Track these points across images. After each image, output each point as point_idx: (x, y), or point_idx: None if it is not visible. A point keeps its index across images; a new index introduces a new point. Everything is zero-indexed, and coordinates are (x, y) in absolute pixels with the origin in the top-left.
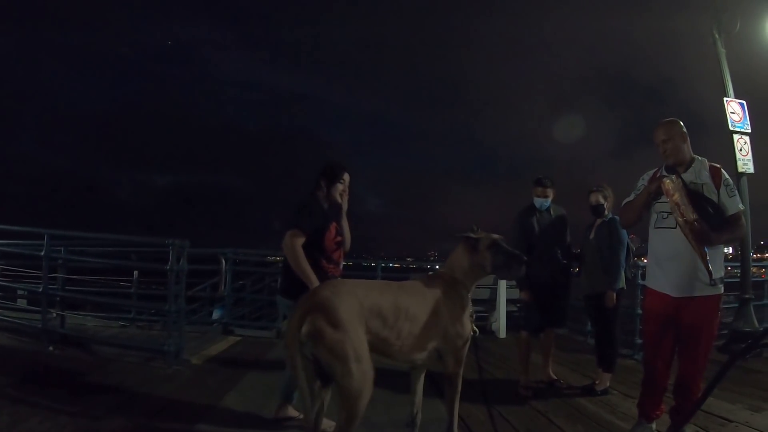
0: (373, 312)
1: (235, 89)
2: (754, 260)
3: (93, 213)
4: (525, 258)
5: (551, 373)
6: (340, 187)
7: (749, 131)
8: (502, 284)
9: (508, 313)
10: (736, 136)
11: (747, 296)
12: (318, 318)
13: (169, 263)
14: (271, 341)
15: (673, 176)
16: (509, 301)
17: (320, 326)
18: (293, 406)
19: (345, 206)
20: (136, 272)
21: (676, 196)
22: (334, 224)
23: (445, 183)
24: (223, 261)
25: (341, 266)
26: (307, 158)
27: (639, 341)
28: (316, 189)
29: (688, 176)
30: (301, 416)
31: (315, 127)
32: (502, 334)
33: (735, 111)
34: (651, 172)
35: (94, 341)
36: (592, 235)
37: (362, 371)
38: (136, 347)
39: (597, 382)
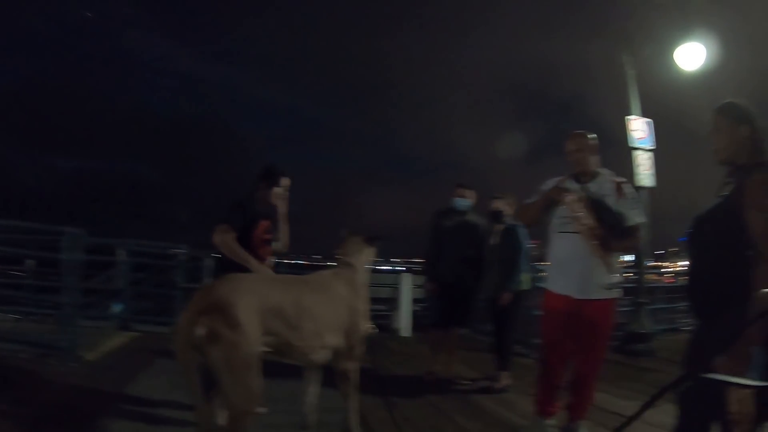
0: (274, 312)
1: (150, 73)
2: (652, 267)
3: None
4: None
5: (453, 371)
6: (278, 191)
7: (652, 148)
8: (406, 283)
9: (412, 312)
10: (637, 152)
11: (641, 300)
12: (215, 319)
13: (63, 253)
14: (171, 337)
15: (576, 187)
16: (414, 301)
17: (218, 328)
18: None
19: (284, 209)
20: (32, 262)
21: (577, 207)
22: (263, 222)
23: (359, 182)
24: (122, 252)
25: (267, 262)
26: (220, 150)
27: (536, 341)
28: (255, 189)
29: (592, 187)
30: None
31: (230, 119)
32: (405, 332)
33: (638, 128)
34: (556, 179)
35: None
36: (494, 241)
37: (250, 382)
38: (29, 343)
39: (496, 380)
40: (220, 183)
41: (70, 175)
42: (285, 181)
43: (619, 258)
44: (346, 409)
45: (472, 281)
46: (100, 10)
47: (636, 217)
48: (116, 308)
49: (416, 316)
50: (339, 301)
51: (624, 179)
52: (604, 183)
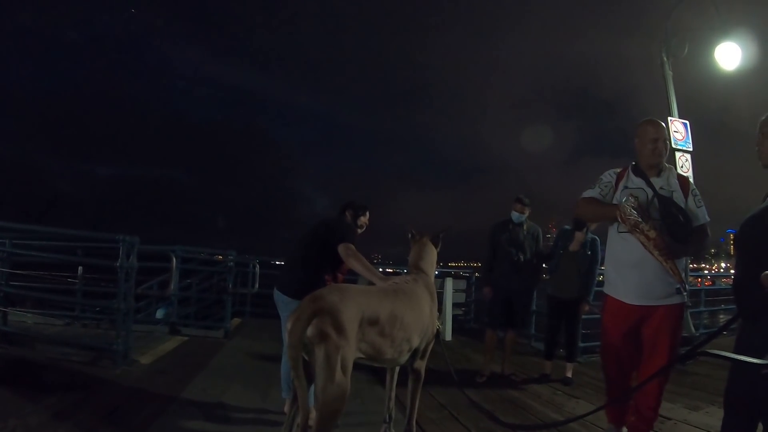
0: (371, 322)
1: (185, 82)
2: (690, 270)
3: (28, 202)
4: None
5: (507, 368)
6: (362, 220)
7: (691, 149)
8: (448, 288)
9: (453, 317)
10: (678, 154)
11: (686, 303)
12: (325, 321)
13: (119, 260)
14: (220, 341)
15: (627, 199)
16: (454, 305)
17: (326, 329)
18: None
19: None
20: (81, 268)
21: (633, 219)
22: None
23: (395, 186)
24: (174, 259)
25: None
26: (255, 156)
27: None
28: (341, 215)
29: (658, 182)
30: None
31: (264, 125)
32: (448, 336)
33: (678, 130)
34: (618, 170)
35: (38, 340)
36: (574, 247)
37: (344, 385)
38: (83, 346)
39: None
40: (255, 188)
41: (107, 181)
42: (367, 215)
43: (683, 260)
44: (410, 405)
45: (528, 286)
46: (138, 21)
47: (704, 215)
48: (160, 313)
49: (457, 320)
50: (422, 306)
51: (686, 175)
52: (670, 177)
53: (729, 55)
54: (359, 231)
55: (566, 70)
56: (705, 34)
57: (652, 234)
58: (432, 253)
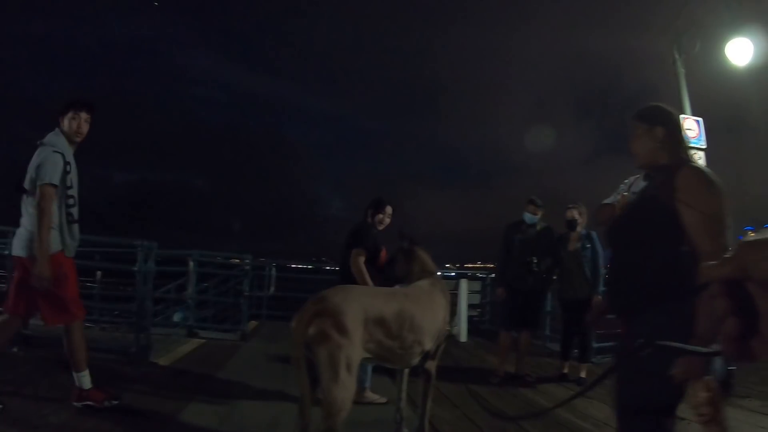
0: (376, 321)
1: (200, 87)
2: None
3: None
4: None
5: (521, 369)
6: (380, 216)
7: (704, 147)
8: (463, 289)
9: (468, 318)
10: (692, 152)
11: None
12: (326, 321)
13: (138, 264)
14: (237, 344)
15: (617, 198)
16: (469, 306)
17: (327, 330)
18: (370, 390)
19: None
20: (99, 272)
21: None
22: (384, 248)
23: (413, 187)
24: (191, 263)
25: None
26: (271, 159)
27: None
28: (365, 217)
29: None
30: (383, 399)
31: (280, 129)
32: (463, 338)
33: (691, 127)
34: (633, 178)
35: (58, 343)
36: (572, 247)
37: (348, 383)
38: (102, 349)
39: (578, 371)
40: (272, 192)
41: (124, 186)
42: (388, 209)
43: None
44: (423, 404)
45: (541, 287)
46: (157, 28)
47: None
48: (177, 317)
49: (472, 321)
50: (437, 310)
51: None
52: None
53: (741, 51)
54: (380, 227)
55: (582, 69)
56: (716, 30)
57: None
58: (429, 258)
